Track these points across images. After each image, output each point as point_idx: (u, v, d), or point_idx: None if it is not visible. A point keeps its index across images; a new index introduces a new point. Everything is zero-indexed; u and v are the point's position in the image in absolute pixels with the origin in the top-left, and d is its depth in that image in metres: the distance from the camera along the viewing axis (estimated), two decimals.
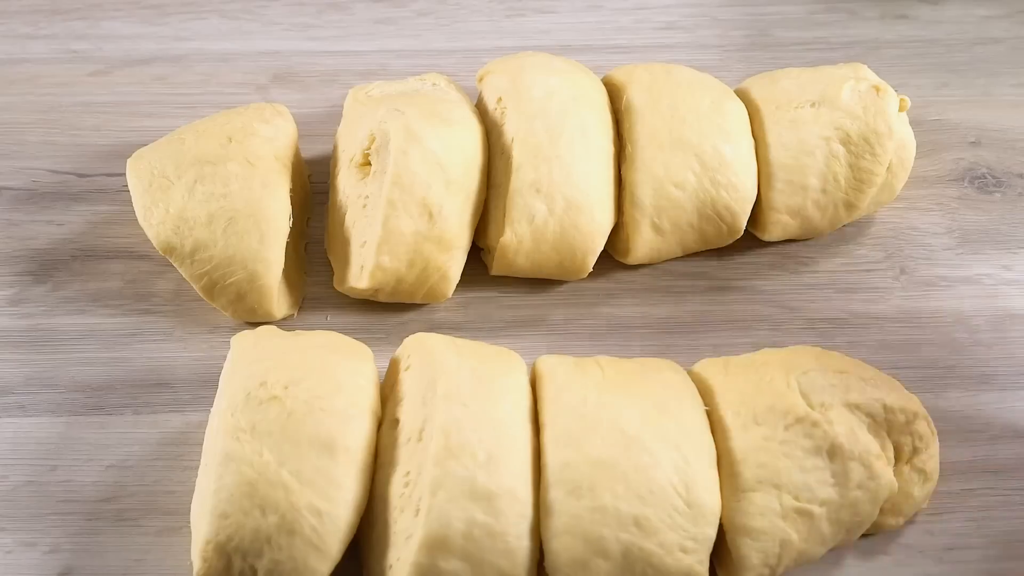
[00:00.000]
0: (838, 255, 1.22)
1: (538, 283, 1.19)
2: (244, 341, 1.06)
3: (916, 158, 1.22)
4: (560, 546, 0.99)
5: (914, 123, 1.23)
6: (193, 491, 1.06)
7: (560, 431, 1.02)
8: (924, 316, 1.18)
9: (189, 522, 1.05)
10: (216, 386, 1.06)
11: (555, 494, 1.00)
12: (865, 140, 1.19)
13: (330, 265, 1.19)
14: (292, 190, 1.18)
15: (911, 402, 1.05)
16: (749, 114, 1.22)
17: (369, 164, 1.18)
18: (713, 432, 1.03)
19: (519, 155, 1.15)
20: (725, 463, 1.02)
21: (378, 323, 1.16)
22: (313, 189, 1.24)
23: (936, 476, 1.07)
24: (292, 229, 1.17)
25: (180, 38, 1.33)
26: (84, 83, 1.30)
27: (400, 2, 1.36)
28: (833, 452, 1.02)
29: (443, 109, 1.18)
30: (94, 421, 1.12)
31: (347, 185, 1.19)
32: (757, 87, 1.24)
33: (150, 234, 1.14)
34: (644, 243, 1.19)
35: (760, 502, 1.00)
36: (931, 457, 1.07)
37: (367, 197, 1.17)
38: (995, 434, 1.12)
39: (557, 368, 1.07)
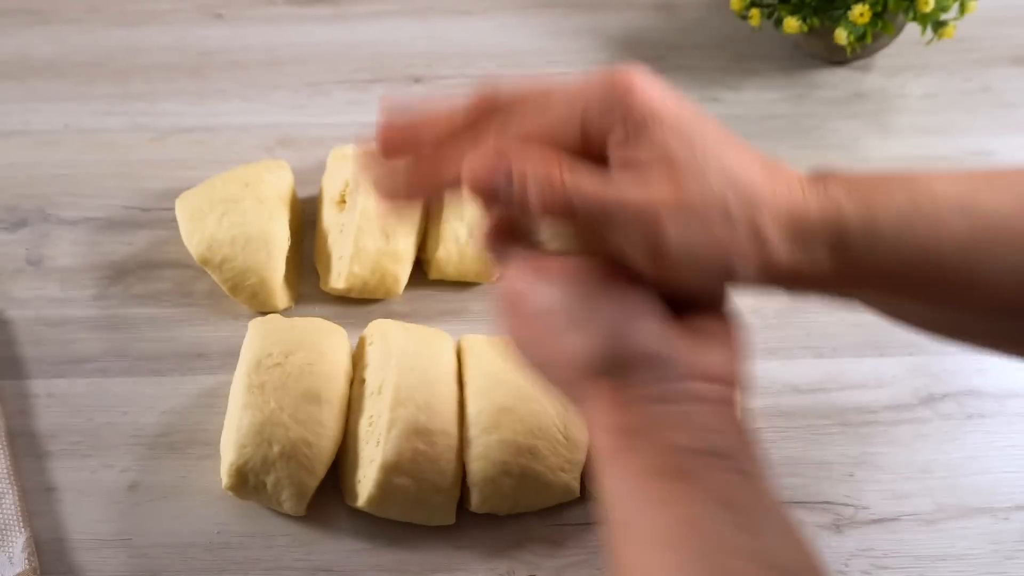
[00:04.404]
0: None
1: (461, 285, 1.19)
2: (257, 324, 1.07)
3: None
4: (477, 468, 1.00)
5: None
6: (222, 429, 1.07)
7: (477, 387, 1.03)
8: None
9: (219, 451, 1.06)
10: (238, 356, 1.07)
11: (473, 431, 1.01)
12: None
13: (317, 271, 1.20)
14: (290, 220, 1.18)
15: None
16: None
17: (345, 202, 1.18)
18: None
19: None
20: None
21: (350, 312, 1.16)
22: (305, 219, 1.23)
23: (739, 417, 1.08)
24: (290, 247, 1.17)
25: (213, 115, 1.33)
26: (146, 146, 1.30)
27: (365, 89, 1.36)
28: None
29: None
30: (153, 380, 1.13)
31: (329, 216, 1.19)
32: None
33: (192, 251, 1.15)
34: None
35: None
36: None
37: (343, 224, 1.17)
38: (778, 389, 1.12)
39: (475, 343, 1.07)
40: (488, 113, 0.75)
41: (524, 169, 0.71)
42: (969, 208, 0.72)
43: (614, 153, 0.71)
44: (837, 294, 0.76)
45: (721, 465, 0.71)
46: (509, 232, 0.79)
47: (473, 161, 0.71)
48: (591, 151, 0.72)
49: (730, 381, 0.75)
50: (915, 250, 0.72)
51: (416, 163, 0.76)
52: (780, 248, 0.71)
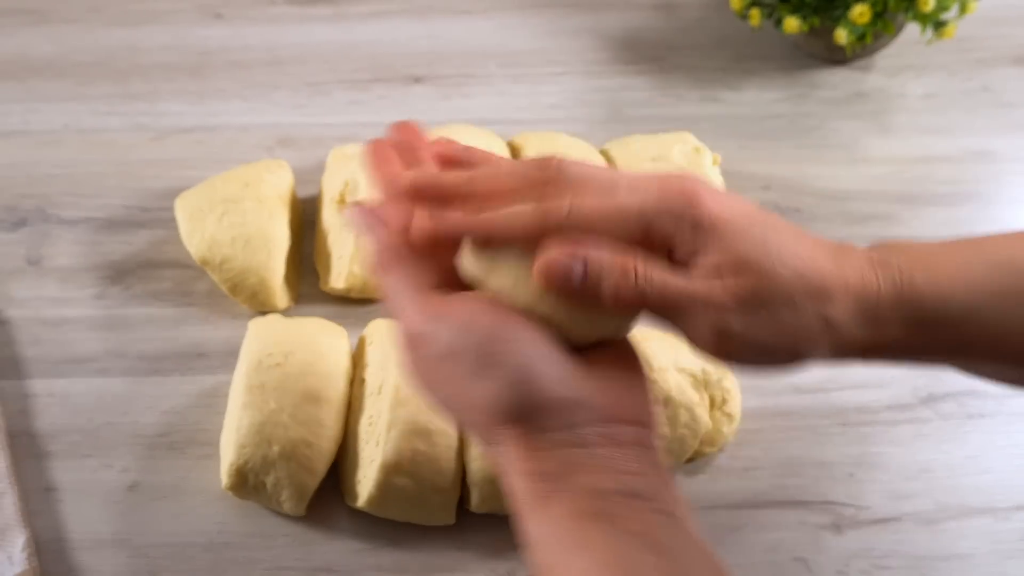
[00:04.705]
0: None
1: None
2: (257, 324, 1.07)
3: None
4: (477, 468, 1.00)
5: (724, 173, 1.24)
6: (222, 429, 1.07)
7: None
8: None
9: (219, 451, 1.06)
10: (238, 356, 1.07)
11: None
12: None
13: (317, 271, 1.19)
14: (290, 220, 1.18)
15: (722, 366, 1.06)
16: (609, 167, 1.22)
17: (345, 201, 1.18)
18: None
19: None
20: None
21: (350, 312, 1.16)
22: (305, 219, 1.23)
23: (739, 418, 1.08)
24: (290, 247, 1.17)
25: (213, 114, 1.33)
26: (146, 145, 1.30)
27: (365, 89, 1.36)
28: (667, 402, 1.03)
29: None
30: (154, 380, 1.13)
31: (329, 216, 1.19)
32: (614, 148, 1.24)
33: (192, 251, 1.15)
34: None
35: None
36: (735, 405, 1.08)
37: (343, 224, 1.17)
38: (778, 390, 1.12)
39: None
40: (545, 184, 0.75)
41: (600, 261, 0.71)
42: None
43: (683, 255, 0.73)
44: (915, 360, 0.77)
45: (642, 506, 0.71)
46: (401, 255, 0.78)
47: (550, 252, 0.72)
48: (651, 246, 0.73)
49: (644, 422, 0.76)
50: (994, 323, 0.74)
51: (460, 206, 0.76)
52: (853, 330, 0.73)
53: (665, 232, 0.72)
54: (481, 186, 0.76)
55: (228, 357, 1.13)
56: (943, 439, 1.10)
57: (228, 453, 1.01)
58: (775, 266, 0.71)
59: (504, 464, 0.75)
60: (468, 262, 0.76)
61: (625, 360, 0.78)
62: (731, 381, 1.08)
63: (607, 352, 0.77)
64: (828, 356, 0.74)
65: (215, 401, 1.11)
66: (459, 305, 0.75)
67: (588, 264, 0.71)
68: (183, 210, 1.16)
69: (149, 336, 1.16)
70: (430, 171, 0.79)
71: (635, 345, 0.79)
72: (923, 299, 0.73)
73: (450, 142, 0.82)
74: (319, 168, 1.25)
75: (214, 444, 1.08)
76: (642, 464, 0.73)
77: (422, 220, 0.75)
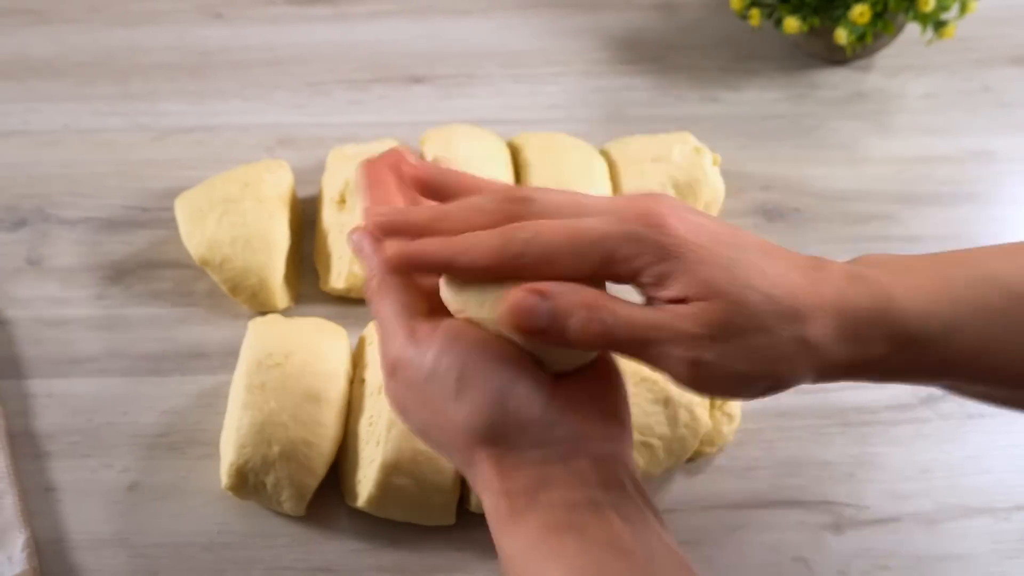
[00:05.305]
0: None
1: None
2: (257, 324, 1.07)
3: (725, 198, 1.23)
4: None
5: (724, 174, 1.24)
6: (222, 429, 1.07)
7: None
8: None
9: (219, 450, 1.06)
10: (238, 356, 1.07)
11: None
12: (689, 186, 1.19)
13: (317, 271, 1.19)
14: (290, 220, 1.18)
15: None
16: (609, 167, 1.22)
17: (345, 201, 1.18)
18: None
19: None
20: None
21: (351, 312, 1.16)
22: (305, 219, 1.23)
23: (739, 418, 1.08)
24: (290, 247, 1.17)
25: (213, 114, 1.33)
26: (147, 145, 1.30)
27: (366, 89, 1.36)
28: (667, 402, 1.03)
29: None
30: (153, 380, 1.13)
31: (329, 216, 1.19)
32: (615, 149, 1.24)
33: (192, 251, 1.14)
34: None
35: None
36: (735, 405, 1.08)
37: (343, 225, 1.17)
38: None
39: None
40: (513, 217, 0.74)
41: (567, 305, 0.71)
42: None
43: (649, 282, 0.72)
44: (902, 380, 0.76)
45: (613, 516, 0.72)
46: (391, 282, 0.79)
47: (515, 298, 0.71)
48: (616, 275, 0.73)
49: (616, 436, 0.76)
50: (976, 340, 0.73)
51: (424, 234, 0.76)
52: (833, 349, 0.71)
53: (629, 258, 0.71)
54: (449, 222, 0.76)
55: (228, 357, 1.13)
56: (943, 439, 1.09)
57: (228, 453, 1.01)
58: (742, 290, 0.70)
59: (479, 485, 0.76)
60: (444, 292, 0.78)
61: (600, 370, 0.79)
62: None
63: (583, 386, 0.78)
64: (812, 378, 0.72)
65: (215, 401, 1.10)
66: (441, 331, 0.75)
67: (556, 312, 0.71)
68: (183, 210, 1.16)
69: (149, 336, 1.16)
70: (397, 208, 0.79)
71: (615, 386, 0.79)
72: (905, 314, 0.71)
73: (426, 165, 0.82)
74: (319, 168, 1.25)
75: (214, 444, 1.08)
76: (612, 475, 0.74)
77: (392, 249, 0.76)
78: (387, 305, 0.78)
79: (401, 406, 0.78)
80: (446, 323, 0.76)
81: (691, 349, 0.70)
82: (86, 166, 1.29)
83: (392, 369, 0.77)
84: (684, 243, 0.70)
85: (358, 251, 0.81)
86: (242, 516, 1.05)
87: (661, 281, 0.71)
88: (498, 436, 0.73)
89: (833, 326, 0.71)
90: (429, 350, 0.75)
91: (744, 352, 0.70)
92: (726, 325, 0.69)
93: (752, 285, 0.70)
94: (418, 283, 0.79)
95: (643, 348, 0.71)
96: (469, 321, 0.76)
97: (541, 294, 0.71)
